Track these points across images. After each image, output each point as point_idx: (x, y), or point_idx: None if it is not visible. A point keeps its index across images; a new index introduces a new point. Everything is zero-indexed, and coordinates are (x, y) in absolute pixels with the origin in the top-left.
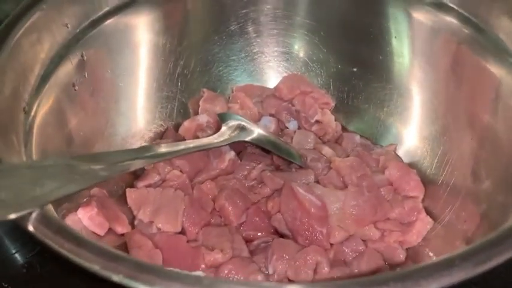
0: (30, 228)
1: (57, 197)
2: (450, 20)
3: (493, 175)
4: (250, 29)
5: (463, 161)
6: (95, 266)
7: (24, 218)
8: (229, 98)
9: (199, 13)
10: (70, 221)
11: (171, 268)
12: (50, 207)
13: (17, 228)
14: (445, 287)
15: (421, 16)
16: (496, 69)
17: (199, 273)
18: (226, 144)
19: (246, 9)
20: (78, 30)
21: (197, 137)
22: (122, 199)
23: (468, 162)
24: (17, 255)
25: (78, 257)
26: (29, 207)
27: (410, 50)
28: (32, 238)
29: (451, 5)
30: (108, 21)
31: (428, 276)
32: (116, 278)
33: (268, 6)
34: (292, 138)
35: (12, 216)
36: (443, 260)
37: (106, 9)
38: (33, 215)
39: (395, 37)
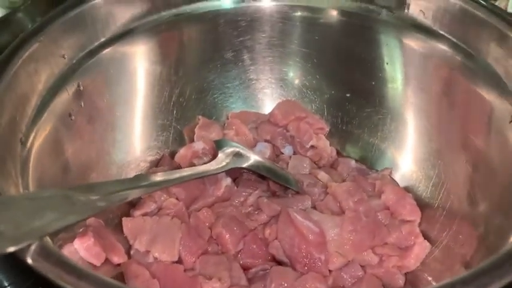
0: (29, 261)
1: (56, 228)
2: (441, 46)
3: (488, 198)
4: (245, 56)
5: (458, 185)
6: None
7: (23, 251)
8: (224, 124)
9: (194, 42)
10: (67, 252)
11: None
12: (48, 238)
13: (8, 261)
14: None
15: (412, 43)
16: (487, 94)
17: None
18: (223, 171)
19: (242, 38)
20: (74, 61)
21: (193, 164)
22: (118, 228)
23: (463, 185)
24: None
25: None
26: (28, 239)
27: (402, 76)
28: (24, 270)
29: (442, 32)
30: (105, 52)
31: None
32: None
33: (263, 35)
34: (287, 163)
35: (12, 249)
36: (444, 285)
37: (102, 39)
38: (32, 248)
39: (387, 63)
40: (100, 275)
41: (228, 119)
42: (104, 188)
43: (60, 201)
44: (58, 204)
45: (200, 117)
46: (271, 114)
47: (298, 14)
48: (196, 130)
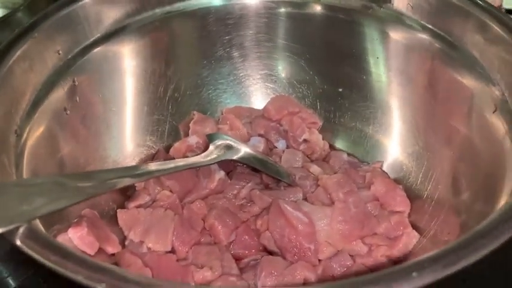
0: (18, 242)
1: (45, 212)
2: (426, 38)
3: (471, 186)
4: (235, 53)
5: (445, 175)
6: (78, 276)
7: (12, 233)
8: (219, 119)
9: (186, 39)
10: (60, 240)
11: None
12: (40, 226)
13: (9, 253)
14: None
15: (397, 35)
16: (471, 85)
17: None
18: (214, 163)
19: (230, 35)
20: (69, 57)
21: (187, 158)
22: (113, 220)
23: (450, 175)
24: (9, 279)
25: (63, 269)
26: (16, 222)
27: (389, 69)
28: (24, 261)
29: (427, 24)
30: (99, 48)
31: (400, 279)
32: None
33: (250, 32)
34: (281, 157)
35: None
36: (413, 263)
37: (96, 36)
38: (21, 230)
39: (377, 57)
40: (85, 256)
41: (222, 114)
42: (96, 175)
43: (50, 187)
44: (49, 189)
45: (195, 112)
46: (264, 109)
47: (283, 9)
48: (191, 125)
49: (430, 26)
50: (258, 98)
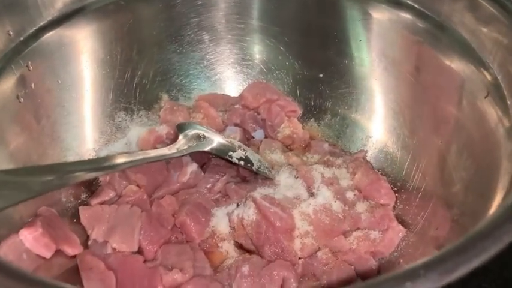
0: None
1: None
2: (410, 18)
3: (463, 178)
4: (206, 37)
5: (433, 165)
6: None
7: None
8: (192, 108)
9: (152, 22)
10: (8, 245)
11: None
12: None
13: None
14: None
15: (380, 15)
16: (460, 68)
17: None
18: (183, 155)
19: (199, 17)
20: (22, 39)
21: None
22: (76, 218)
23: (438, 166)
24: None
25: None
26: None
27: (372, 52)
28: None
29: (411, 2)
30: (56, 30)
31: None
32: None
33: (221, 13)
34: (258, 147)
35: None
36: (406, 271)
37: (52, 16)
38: None
39: (359, 40)
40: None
41: (196, 101)
42: (55, 168)
43: None
44: None
45: (166, 99)
46: (241, 96)
47: None
48: (161, 113)
49: (415, 5)
50: (233, 84)
